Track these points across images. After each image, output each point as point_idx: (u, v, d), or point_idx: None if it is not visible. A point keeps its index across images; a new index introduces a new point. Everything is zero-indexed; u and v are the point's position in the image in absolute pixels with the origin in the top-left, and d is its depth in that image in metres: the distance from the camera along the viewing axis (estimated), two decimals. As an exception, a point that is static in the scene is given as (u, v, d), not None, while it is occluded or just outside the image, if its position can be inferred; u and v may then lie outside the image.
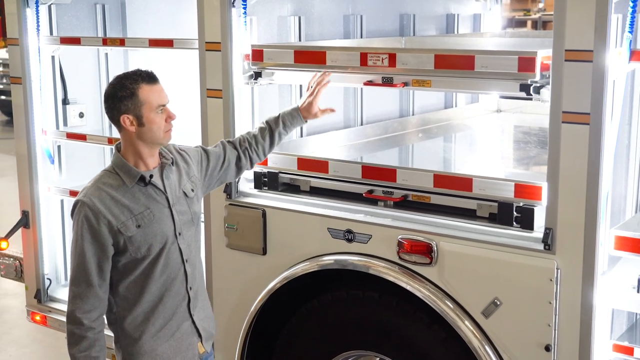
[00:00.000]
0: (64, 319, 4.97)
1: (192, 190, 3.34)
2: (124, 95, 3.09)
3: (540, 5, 18.23)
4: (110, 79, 5.34)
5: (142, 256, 3.16)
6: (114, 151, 3.24)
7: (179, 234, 3.24)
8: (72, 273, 3.15)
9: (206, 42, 4.06)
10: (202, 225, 3.86)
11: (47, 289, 5.23)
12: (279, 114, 3.70)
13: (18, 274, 5.39)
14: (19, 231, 5.23)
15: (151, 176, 3.19)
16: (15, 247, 5.38)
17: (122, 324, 3.23)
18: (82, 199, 3.13)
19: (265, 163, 4.01)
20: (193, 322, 3.33)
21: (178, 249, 3.24)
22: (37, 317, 5.25)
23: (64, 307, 5.12)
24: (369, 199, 3.77)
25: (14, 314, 7.24)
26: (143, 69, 3.18)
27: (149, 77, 3.13)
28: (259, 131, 3.68)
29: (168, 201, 3.22)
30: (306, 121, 3.74)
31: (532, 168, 4.53)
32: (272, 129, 3.66)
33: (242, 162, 3.62)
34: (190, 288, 3.31)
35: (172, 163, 3.28)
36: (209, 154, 3.51)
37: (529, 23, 17.67)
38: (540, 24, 16.99)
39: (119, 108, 3.11)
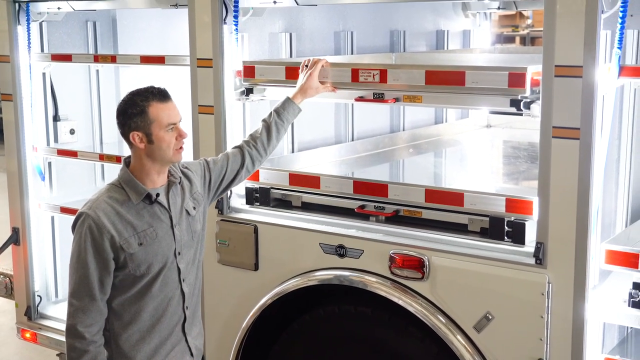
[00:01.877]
0: (54, 336, 5.04)
1: (194, 208, 3.30)
2: (134, 112, 3.06)
3: (529, 21, 18.33)
4: (101, 96, 5.45)
5: (141, 274, 3.12)
6: (122, 165, 3.20)
7: (179, 253, 3.21)
8: (74, 286, 3.09)
9: (198, 59, 4.07)
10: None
11: (38, 306, 5.21)
12: (273, 108, 3.67)
13: (8, 291, 5.37)
14: (9, 248, 5.21)
15: (157, 195, 3.15)
16: (5, 264, 5.36)
17: (117, 341, 3.18)
18: (86, 211, 3.08)
19: (256, 179, 4.02)
20: (187, 341, 3.31)
21: (177, 268, 3.21)
22: (28, 335, 5.22)
23: (54, 325, 5.12)
24: (361, 214, 3.78)
25: (3, 331, 7.19)
26: (156, 85, 3.14)
27: (161, 95, 3.10)
28: (256, 130, 3.64)
29: (171, 220, 3.18)
30: (300, 110, 3.68)
31: (522, 183, 4.55)
32: (267, 123, 3.62)
33: (246, 163, 3.55)
34: (187, 308, 3.27)
35: (179, 182, 3.25)
36: (211, 167, 3.46)
37: (517, 39, 17.76)
38: (529, 40, 17.08)
39: (129, 125, 3.07)
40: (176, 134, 3.11)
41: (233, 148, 3.61)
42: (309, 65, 3.74)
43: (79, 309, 3.07)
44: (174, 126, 3.10)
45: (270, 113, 3.66)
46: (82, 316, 3.07)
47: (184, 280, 3.24)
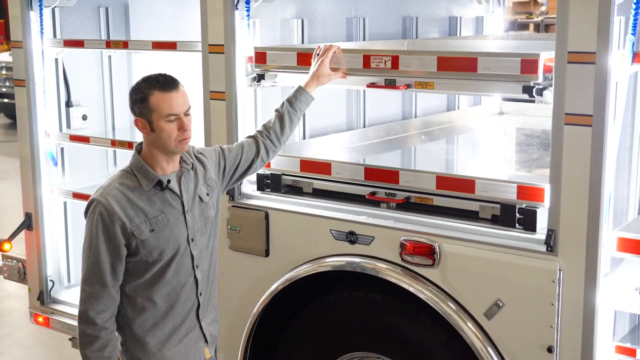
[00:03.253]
0: (67, 320, 5.07)
1: (208, 194, 3.29)
2: (137, 98, 3.07)
3: (543, 8, 18.23)
4: (113, 82, 5.46)
5: (153, 260, 3.13)
6: (134, 152, 3.20)
7: (192, 240, 3.21)
8: (86, 272, 3.10)
9: (209, 45, 4.07)
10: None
11: (50, 290, 5.24)
12: (287, 100, 3.65)
13: (21, 276, 5.40)
14: (22, 233, 5.24)
15: (169, 181, 3.15)
16: (18, 249, 5.39)
17: (130, 327, 3.19)
18: (97, 197, 3.08)
19: (268, 165, 4.02)
20: (201, 327, 3.32)
21: (190, 255, 3.21)
22: (40, 319, 5.25)
23: (67, 309, 5.14)
24: (372, 201, 3.77)
25: (16, 316, 7.25)
26: (167, 73, 3.11)
27: (165, 84, 3.06)
28: (269, 120, 3.63)
29: (183, 206, 3.18)
30: (313, 98, 3.68)
31: (534, 170, 4.54)
32: (280, 113, 3.62)
33: (260, 153, 3.55)
34: (201, 294, 3.27)
35: (192, 168, 3.24)
36: (226, 155, 3.46)
37: (532, 26, 17.67)
38: (543, 27, 16.99)
39: (133, 110, 3.09)
40: (178, 125, 3.06)
41: (247, 137, 3.61)
42: (320, 53, 3.72)
43: (91, 295, 3.09)
44: (175, 117, 3.05)
45: (283, 103, 3.65)
46: (94, 302, 3.08)
47: (197, 267, 3.24)
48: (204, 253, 3.29)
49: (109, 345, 3.12)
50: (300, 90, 3.66)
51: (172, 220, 3.15)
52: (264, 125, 3.63)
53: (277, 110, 3.65)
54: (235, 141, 4.03)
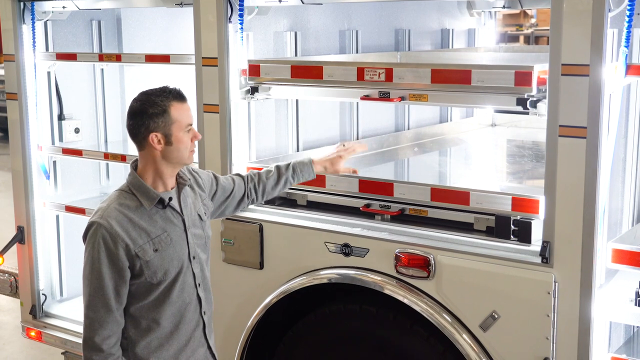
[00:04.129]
0: (59, 334, 5.05)
1: (205, 213, 3.25)
2: (155, 112, 2.96)
3: (533, 20, 18.33)
4: (106, 95, 5.45)
5: (158, 281, 3.04)
6: (130, 170, 3.10)
7: (193, 257, 3.14)
8: (89, 298, 2.99)
9: (203, 58, 4.07)
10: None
11: (43, 304, 5.21)
12: (291, 162, 3.61)
13: (13, 290, 5.37)
14: (14, 247, 5.22)
15: (170, 199, 3.07)
16: (10, 262, 5.36)
17: (134, 349, 3.07)
18: (98, 220, 2.97)
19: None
20: (209, 347, 3.24)
21: (192, 273, 3.14)
22: (32, 333, 5.22)
23: (59, 323, 5.12)
24: (366, 213, 3.78)
25: (7, 330, 7.20)
26: (171, 86, 3.06)
27: (179, 95, 3.02)
28: (266, 172, 3.58)
29: (184, 224, 3.11)
30: (314, 177, 3.65)
31: (527, 182, 4.54)
32: (279, 173, 3.58)
33: (243, 199, 3.51)
34: (204, 313, 3.20)
35: (189, 184, 3.19)
36: (219, 184, 3.41)
37: (522, 38, 17.76)
38: (533, 39, 17.08)
39: (147, 125, 2.97)
40: (192, 135, 3.05)
41: (237, 177, 3.54)
42: (346, 147, 3.68)
43: (95, 320, 2.99)
44: (190, 127, 3.05)
45: (288, 165, 3.60)
46: (99, 328, 2.98)
47: (199, 285, 3.17)
48: (205, 271, 3.23)
49: None
50: (308, 165, 3.62)
51: (174, 239, 3.08)
52: (259, 175, 3.57)
53: (278, 168, 3.60)
54: (228, 153, 4.03)
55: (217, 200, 3.41)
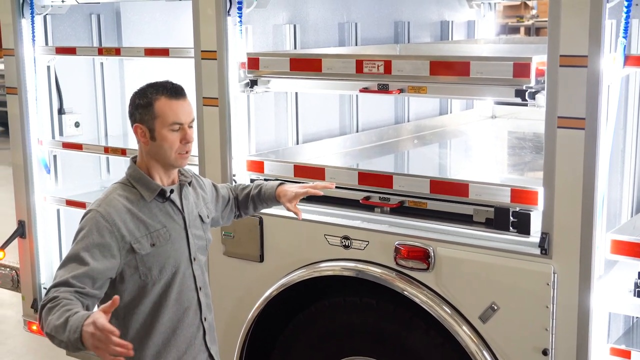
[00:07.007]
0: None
1: (208, 216, 3.17)
2: (140, 103, 2.91)
3: (533, 12, 18.29)
4: (106, 89, 5.45)
5: (153, 280, 2.91)
6: (130, 163, 3.03)
7: (194, 259, 3.03)
8: (61, 264, 2.82)
9: (202, 51, 4.07)
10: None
11: (44, 298, 5.22)
12: (263, 184, 3.48)
13: (14, 284, 5.38)
14: (15, 241, 5.22)
15: (171, 191, 2.98)
16: (11, 257, 5.37)
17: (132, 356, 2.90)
18: (95, 208, 2.87)
19: (261, 170, 4.02)
20: (210, 355, 3.12)
21: (192, 275, 3.02)
22: (34, 327, 5.23)
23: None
24: (366, 206, 3.78)
25: (9, 324, 7.22)
26: (174, 81, 2.98)
27: (173, 91, 2.92)
28: (243, 189, 3.49)
29: (185, 222, 3.01)
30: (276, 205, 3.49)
31: (527, 173, 4.55)
32: (249, 193, 3.47)
33: (233, 210, 3.47)
34: (205, 319, 3.08)
35: (190, 183, 3.09)
36: (219, 194, 3.36)
37: (522, 29, 17.73)
38: (534, 31, 17.05)
39: (134, 115, 2.93)
40: (181, 136, 2.91)
41: (227, 187, 3.47)
42: (315, 185, 3.47)
43: (66, 273, 2.76)
44: (180, 126, 2.91)
45: (260, 187, 3.45)
46: (70, 278, 2.75)
47: (200, 289, 3.06)
48: (206, 275, 3.13)
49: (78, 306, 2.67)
50: (273, 191, 3.41)
51: (174, 235, 2.97)
52: (239, 191, 3.48)
53: (249, 190, 3.47)
54: (228, 147, 4.03)
55: (219, 208, 3.37)
